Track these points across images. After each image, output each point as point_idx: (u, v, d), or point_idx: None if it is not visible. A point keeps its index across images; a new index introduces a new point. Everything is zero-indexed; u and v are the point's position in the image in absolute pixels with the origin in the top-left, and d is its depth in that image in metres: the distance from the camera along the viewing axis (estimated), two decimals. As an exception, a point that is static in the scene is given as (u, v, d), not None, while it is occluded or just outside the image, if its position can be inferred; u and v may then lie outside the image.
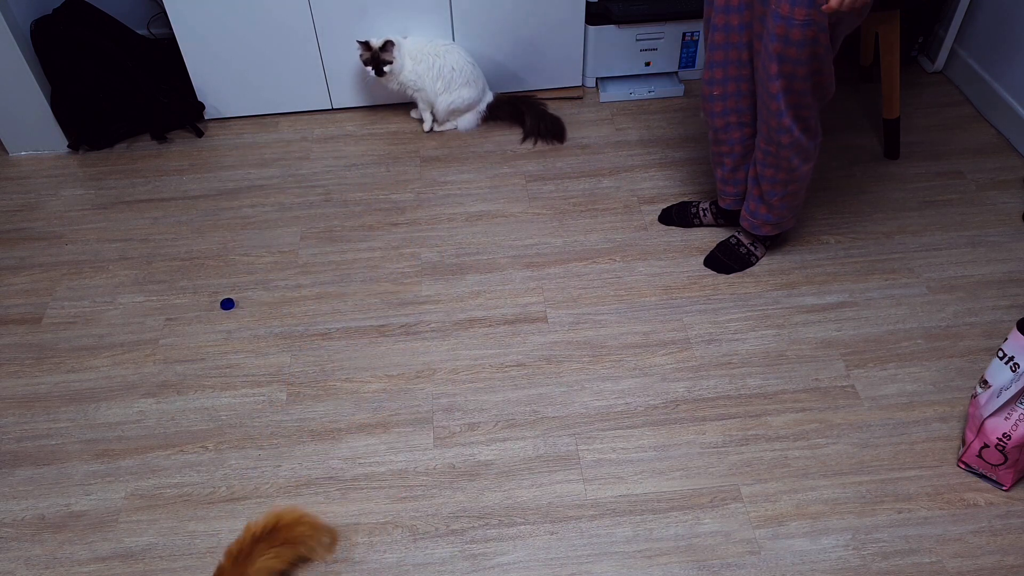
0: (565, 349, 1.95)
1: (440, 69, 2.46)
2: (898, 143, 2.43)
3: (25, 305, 2.11)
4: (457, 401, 1.85)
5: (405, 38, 2.48)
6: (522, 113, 2.60)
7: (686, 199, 2.31)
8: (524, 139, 2.58)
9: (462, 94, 2.51)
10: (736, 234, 2.15)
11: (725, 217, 2.21)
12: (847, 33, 1.74)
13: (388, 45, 2.40)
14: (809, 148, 1.87)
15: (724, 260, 2.12)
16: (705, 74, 1.91)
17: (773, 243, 2.17)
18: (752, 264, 2.13)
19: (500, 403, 1.84)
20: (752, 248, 2.12)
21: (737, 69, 1.85)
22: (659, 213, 2.29)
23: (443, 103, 2.52)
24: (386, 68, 2.41)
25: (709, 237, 2.21)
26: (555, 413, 1.82)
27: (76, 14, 2.51)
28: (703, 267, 2.14)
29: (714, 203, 2.23)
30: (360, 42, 2.41)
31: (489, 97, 2.60)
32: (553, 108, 2.69)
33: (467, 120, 2.61)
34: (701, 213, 2.24)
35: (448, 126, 2.62)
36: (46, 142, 2.55)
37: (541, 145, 2.57)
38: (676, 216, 2.26)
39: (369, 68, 2.42)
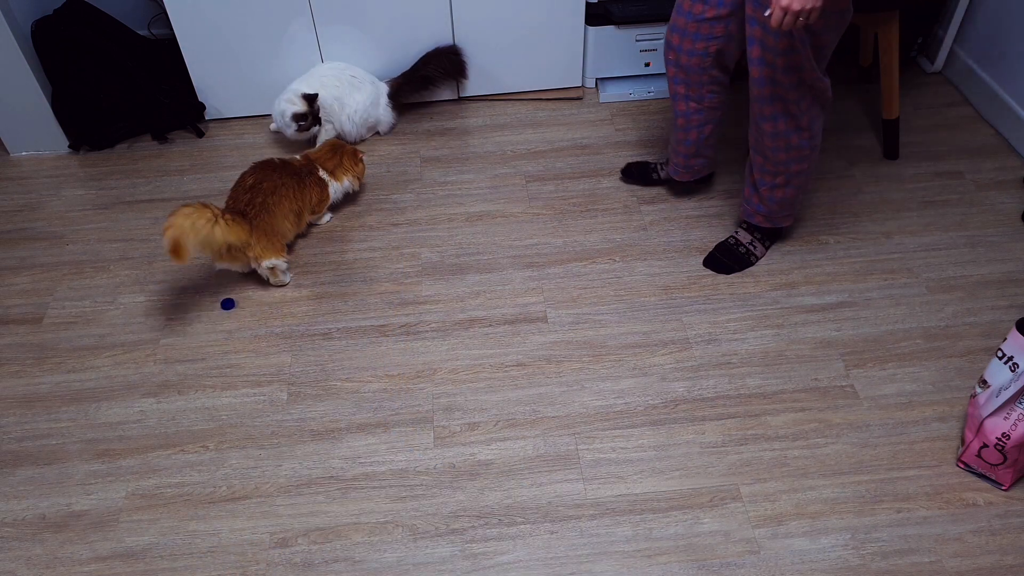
0: (565, 349, 1.95)
1: (330, 90, 2.44)
2: (897, 143, 2.44)
3: (26, 305, 2.11)
4: (457, 401, 1.85)
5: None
6: (421, 75, 2.56)
7: (649, 161, 2.42)
8: (428, 85, 2.60)
9: (356, 98, 2.47)
10: (734, 234, 2.16)
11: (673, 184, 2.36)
12: (834, 41, 1.73)
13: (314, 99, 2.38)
14: (801, 147, 1.87)
15: (723, 260, 2.12)
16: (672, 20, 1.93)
17: (773, 243, 2.17)
18: (752, 264, 2.13)
19: (500, 403, 1.85)
20: (751, 247, 2.13)
21: (710, 28, 1.85)
22: (620, 172, 2.41)
23: (347, 120, 2.49)
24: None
25: (709, 237, 2.21)
26: (555, 413, 1.82)
27: (77, 14, 2.51)
28: (703, 267, 2.14)
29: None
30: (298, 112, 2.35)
31: (384, 88, 2.55)
32: (552, 108, 2.70)
33: (382, 120, 2.57)
34: (659, 169, 2.36)
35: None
36: (47, 142, 2.56)
37: (448, 87, 2.58)
38: (636, 173, 2.39)
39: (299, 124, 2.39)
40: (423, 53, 2.57)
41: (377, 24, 2.51)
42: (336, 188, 2.24)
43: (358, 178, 2.29)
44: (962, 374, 1.87)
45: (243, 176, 2.10)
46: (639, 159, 2.48)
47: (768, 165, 1.94)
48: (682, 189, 2.36)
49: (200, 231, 1.86)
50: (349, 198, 2.37)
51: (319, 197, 2.20)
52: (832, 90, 1.82)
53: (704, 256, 2.16)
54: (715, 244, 2.17)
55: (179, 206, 1.88)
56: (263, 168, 2.10)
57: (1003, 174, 2.39)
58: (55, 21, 2.44)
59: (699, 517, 1.63)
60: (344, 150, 2.27)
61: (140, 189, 2.45)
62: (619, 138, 2.57)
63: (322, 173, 2.20)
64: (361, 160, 2.29)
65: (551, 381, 1.89)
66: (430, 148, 2.57)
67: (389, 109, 2.56)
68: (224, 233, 1.91)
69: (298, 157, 2.22)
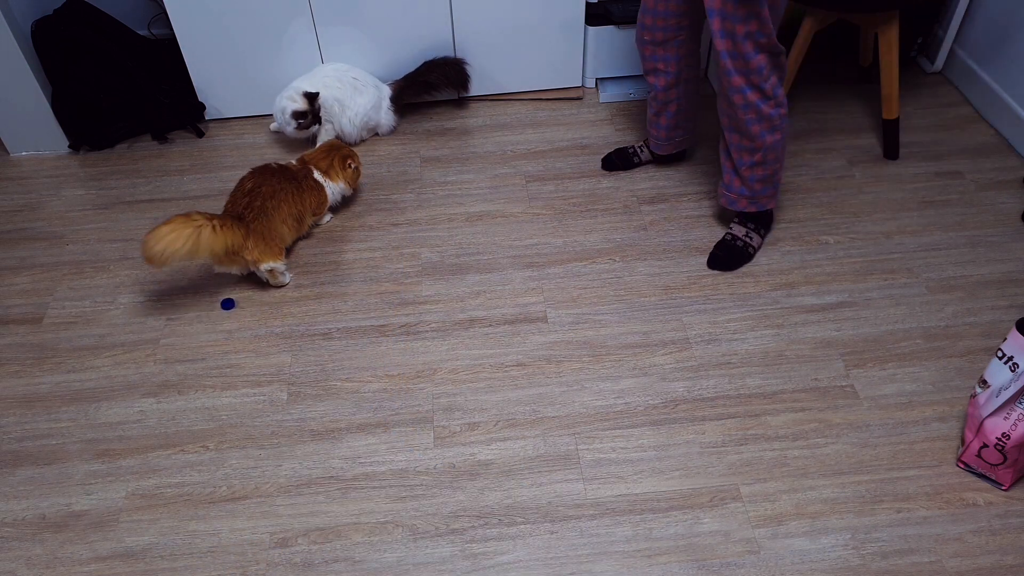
0: (565, 349, 1.95)
1: (332, 91, 2.45)
2: (897, 143, 2.44)
3: (26, 305, 2.11)
4: (457, 401, 1.85)
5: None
6: (423, 80, 2.57)
7: (626, 146, 2.47)
8: (430, 90, 2.62)
9: (358, 101, 2.49)
10: (729, 230, 2.16)
11: (657, 158, 2.45)
12: (786, 1, 1.81)
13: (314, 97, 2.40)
14: (771, 116, 1.91)
15: (724, 257, 2.12)
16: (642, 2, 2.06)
17: (767, 232, 2.17)
18: (751, 255, 2.13)
19: (500, 403, 1.85)
20: (747, 239, 2.13)
21: (676, 6, 1.99)
22: (600, 162, 2.46)
23: (347, 123, 2.50)
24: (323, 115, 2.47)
25: (709, 237, 2.21)
26: (555, 413, 1.82)
27: (77, 14, 2.51)
28: (703, 267, 2.14)
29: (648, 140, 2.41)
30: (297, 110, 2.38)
31: (387, 91, 2.57)
32: (552, 108, 2.70)
33: (383, 123, 2.58)
34: (639, 151, 2.43)
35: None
36: (47, 142, 2.56)
37: (449, 94, 2.64)
38: (617, 160, 2.44)
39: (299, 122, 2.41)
40: (423, 53, 2.58)
41: (377, 24, 2.51)
42: (333, 188, 2.25)
43: (348, 183, 2.28)
44: (962, 374, 1.87)
45: (242, 180, 2.11)
46: (615, 147, 2.52)
47: (745, 140, 1.96)
48: (666, 162, 2.45)
49: (176, 253, 1.87)
50: (349, 198, 2.37)
51: (318, 200, 2.20)
52: (785, 55, 1.90)
53: (705, 257, 2.16)
54: (715, 244, 2.17)
55: (157, 225, 1.88)
56: (262, 172, 2.11)
57: (1003, 174, 2.39)
58: (55, 21, 2.44)
59: (699, 517, 1.63)
60: (339, 152, 2.27)
61: (140, 189, 2.45)
62: (619, 138, 2.57)
63: (317, 175, 2.21)
64: (351, 166, 2.27)
65: (551, 381, 1.89)
66: (430, 148, 2.57)
67: (391, 113, 2.57)
68: (210, 242, 1.91)
69: (294, 162, 2.22)
